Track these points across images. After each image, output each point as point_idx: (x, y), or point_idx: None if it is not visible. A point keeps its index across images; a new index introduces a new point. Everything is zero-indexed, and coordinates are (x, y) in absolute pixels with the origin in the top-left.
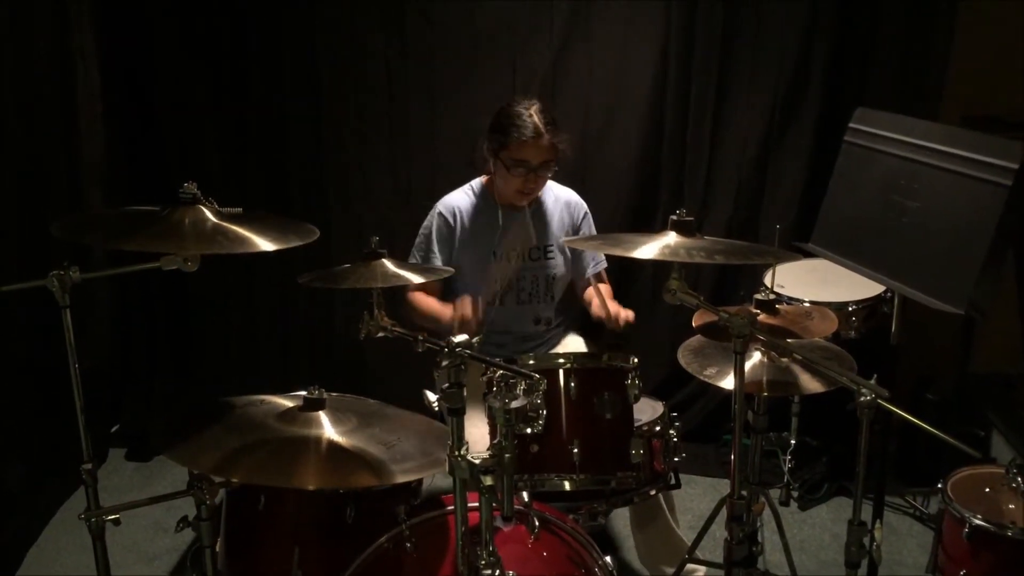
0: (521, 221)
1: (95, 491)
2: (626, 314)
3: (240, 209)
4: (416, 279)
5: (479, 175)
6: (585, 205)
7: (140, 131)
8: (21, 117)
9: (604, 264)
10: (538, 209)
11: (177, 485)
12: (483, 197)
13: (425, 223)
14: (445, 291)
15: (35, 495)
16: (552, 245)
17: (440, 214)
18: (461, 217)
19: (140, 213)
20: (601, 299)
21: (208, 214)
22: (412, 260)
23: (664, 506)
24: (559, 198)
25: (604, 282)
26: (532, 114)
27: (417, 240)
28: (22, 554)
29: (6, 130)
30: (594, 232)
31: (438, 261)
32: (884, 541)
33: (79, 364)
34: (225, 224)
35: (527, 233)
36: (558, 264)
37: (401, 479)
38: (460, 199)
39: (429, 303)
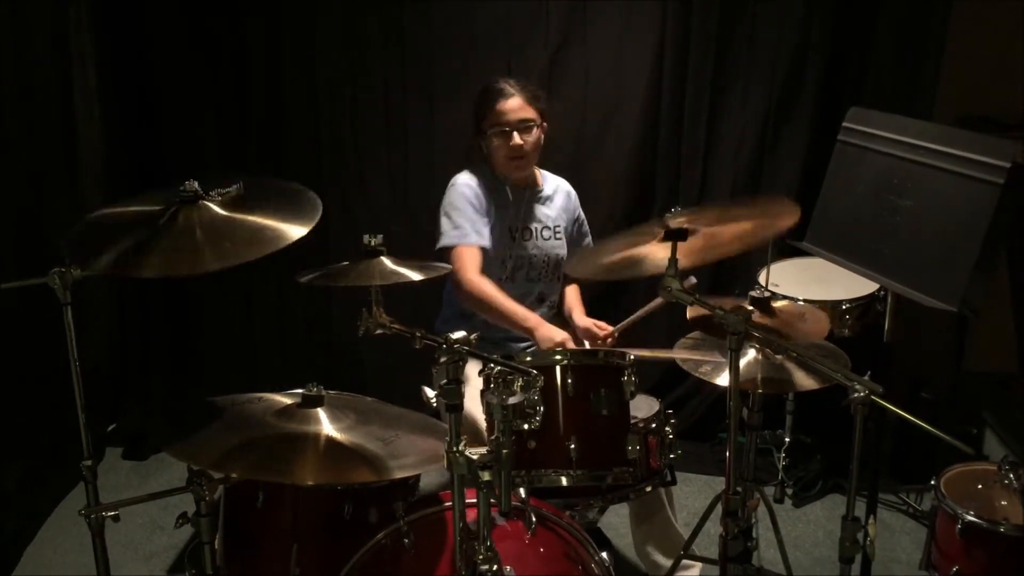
0: (531, 200)
1: (95, 487)
2: (606, 334)
3: (240, 184)
4: (415, 276)
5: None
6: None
7: (139, 132)
8: (19, 117)
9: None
10: (544, 192)
11: (174, 483)
12: (491, 177)
13: (449, 197)
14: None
15: (33, 493)
16: (561, 227)
17: (463, 182)
18: (479, 190)
19: (143, 217)
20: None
21: (215, 210)
22: (454, 228)
23: (665, 500)
24: (560, 187)
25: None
26: (506, 81)
27: (449, 212)
28: (20, 552)
29: (3, 130)
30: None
31: (485, 220)
32: (878, 538)
33: (78, 362)
34: (234, 217)
35: (542, 212)
36: (563, 245)
37: (399, 475)
38: (472, 177)
39: (506, 302)
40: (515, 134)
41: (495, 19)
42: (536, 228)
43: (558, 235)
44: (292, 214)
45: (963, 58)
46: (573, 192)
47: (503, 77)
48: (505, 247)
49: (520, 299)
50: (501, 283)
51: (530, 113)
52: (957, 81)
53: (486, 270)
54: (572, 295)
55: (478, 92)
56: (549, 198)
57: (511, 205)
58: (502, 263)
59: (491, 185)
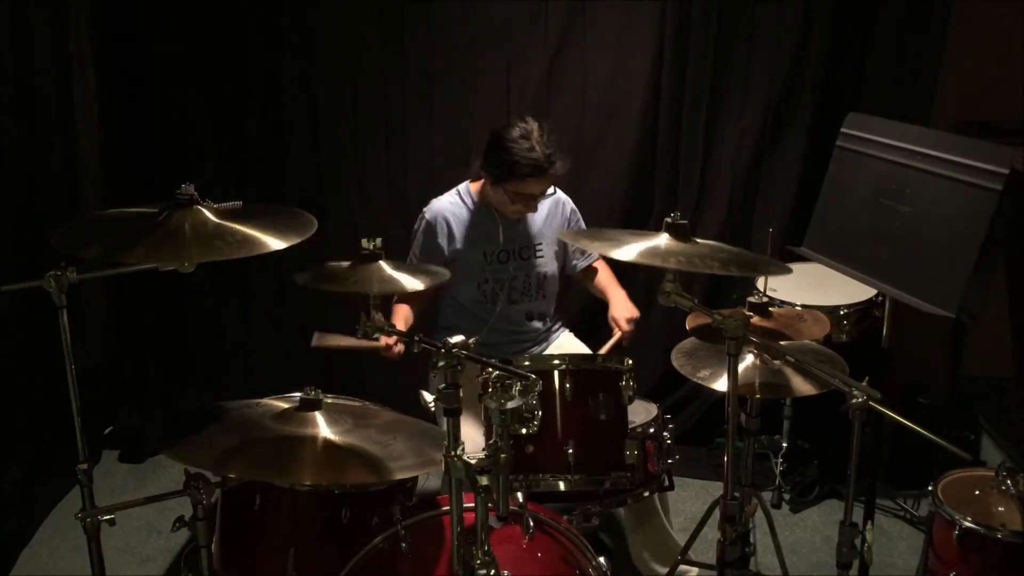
0: (511, 223)
1: (90, 491)
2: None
3: (240, 203)
4: (413, 282)
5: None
6: (570, 200)
7: (138, 133)
8: (18, 118)
9: (595, 257)
10: None
11: (171, 487)
12: (473, 202)
13: (415, 228)
14: (440, 294)
15: (29, 496)
16: (541, 244)
17: (427, 221)
18: (450, 223)
19: (137, 217)
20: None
21: (207, 215)
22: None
23: (659, 507)
24: (548, 198)
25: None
26: (533, 145)
27: (415, 250)
28: (16, 554)
29: (3, 130)
30: (583, 226)
31: (439, 257)
32: (875, 543)
33: (74, 365)
34: (225, 225)
35: (517, 234)
36: (548, 262)
37: (397, 476)
38: (449, 205)
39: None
40: (533, 202)
41: (494, 21)
42: (514, 249)
43: (539, 252)
44: (282, 228)
45: (962, 62)
46: (564, 199)
47: (526, 125)
48: (479, 270)
49: (506, 324)
50: (483, 307)
51: (551, 182)
52: (956, 84)
53: (463, 295)
54: (604, 277)
55: (499, 140)
56: (532, 216)
57: (491, 229)
58: (478, 287)
59: (474, 211)
